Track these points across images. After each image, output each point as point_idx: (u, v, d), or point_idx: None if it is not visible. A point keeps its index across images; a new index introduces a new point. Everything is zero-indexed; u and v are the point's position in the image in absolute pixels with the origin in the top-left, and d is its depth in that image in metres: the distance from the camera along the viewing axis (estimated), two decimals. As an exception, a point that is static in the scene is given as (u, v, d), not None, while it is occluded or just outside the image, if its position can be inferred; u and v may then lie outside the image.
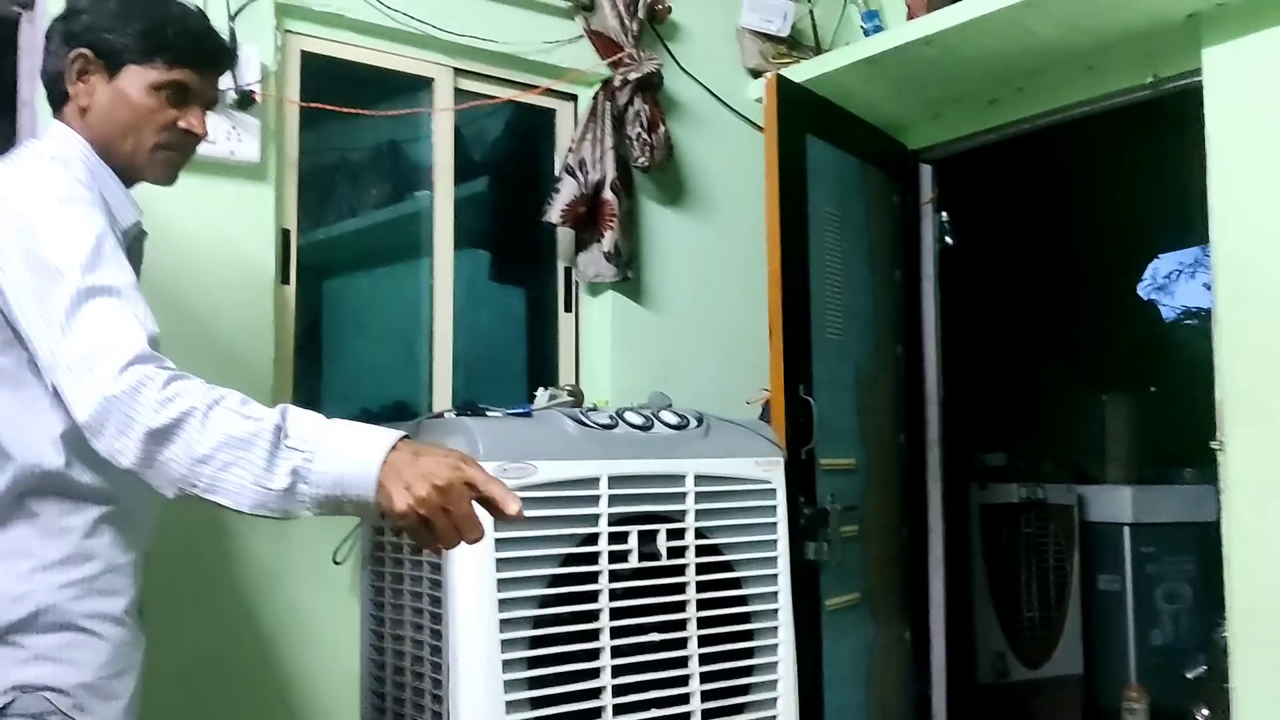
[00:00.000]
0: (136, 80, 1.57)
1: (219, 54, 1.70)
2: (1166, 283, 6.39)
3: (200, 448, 1.29)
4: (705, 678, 2.48)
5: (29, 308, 1.38)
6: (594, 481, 2.33)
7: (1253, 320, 2.65)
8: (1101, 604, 4.97)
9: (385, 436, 1.31)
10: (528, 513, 2.19)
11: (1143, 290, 6.40)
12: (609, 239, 3.01)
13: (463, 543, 1.32)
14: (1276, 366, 2.60)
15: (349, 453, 1.30)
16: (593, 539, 2.33)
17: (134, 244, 1.64)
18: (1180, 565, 5.01)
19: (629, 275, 3.08)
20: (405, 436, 1.31)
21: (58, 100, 1.61)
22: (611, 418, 2.46)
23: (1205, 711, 4.75)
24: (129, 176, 1.62)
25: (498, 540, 2.18)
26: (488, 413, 2.39)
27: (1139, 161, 5.40)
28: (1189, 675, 4.88)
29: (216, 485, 1.30)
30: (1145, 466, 5.22)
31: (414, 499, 1.27)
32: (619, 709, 2.35)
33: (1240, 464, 2.63)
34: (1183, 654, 4.93)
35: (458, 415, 2.40)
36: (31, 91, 2.32)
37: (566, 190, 2.97)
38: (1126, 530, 4.90)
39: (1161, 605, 4.96)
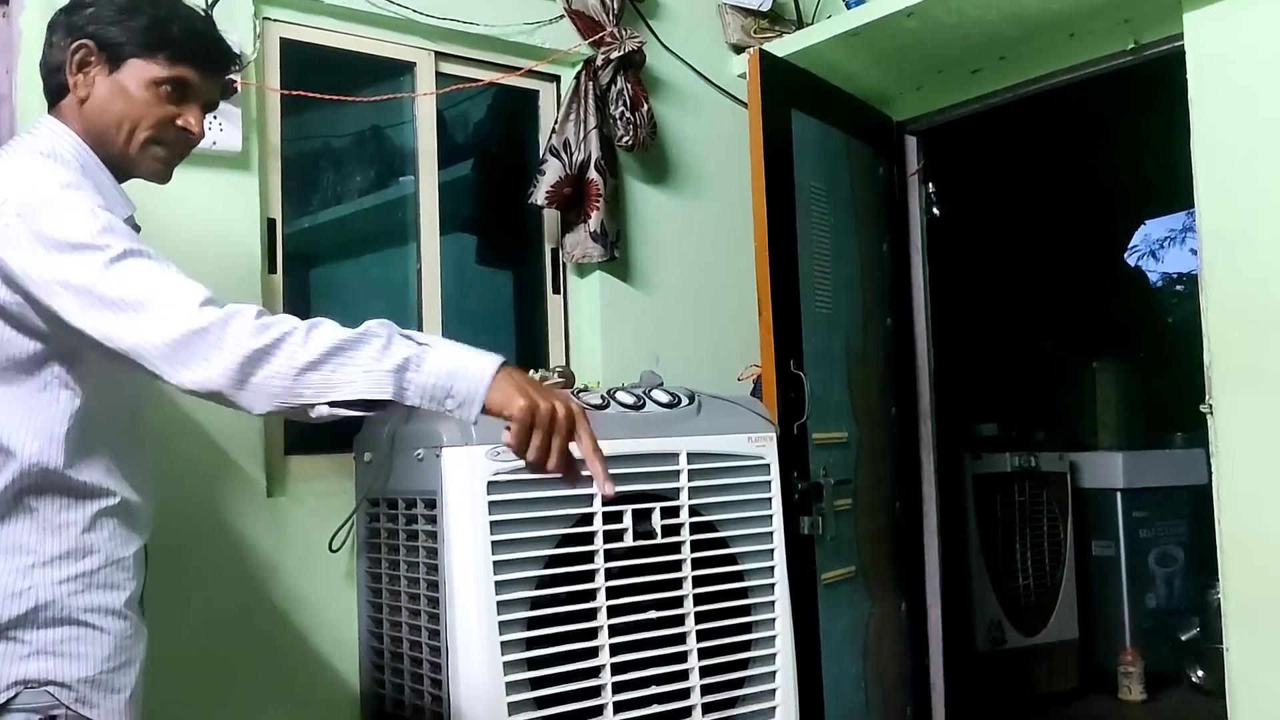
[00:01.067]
0: (137, 74, 1.57)
1: (222, 55, 1.69)
2: (1157, 248, 6.41)
3: (307, 356, 1.33)
4: (703, 653, 2.50)
5: (51, 283, 1.37)
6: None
7: (1239, 284, 2.66)
8: (1096, 569, 5.01)
9: (491, 355, 1.38)
10: (525, 495, 2.22)
11: (1130, 257, 6.42)
12: (595, 219, 3.01)
13: (545, 466, 1.37)
14: (1263, 329, 2.61)
15: (463, 352, 1.36)
16: (588, 519, 2.34)
17: None
18: (1172, 529, 5.05)
19: (616, 255, 3.07)
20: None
21: (55, 93, 1.60)
22: (603, 398, 2.47)
23: (1200, 672, 4.81)
24: (122, 171, 1.61)
25: (493, 523, 2.19)
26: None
27: (1125, 128, 5.41)
28: (1183, 637, 4.94)
29: (327, 387, 1.34)
30: (1136, 432, 5.25)
31: (529, 402, 1.33)
32: (618, 686, 2.36)
33: (1229, 427, 2.65)
34: (1176, 616, 4.98)
35: (449, 400, 2.40)
36: (9, 86, 2.30)
37: (551, 171, 2.96)
38: (1119, 496, 4.93)
39: (1155, 569, 5.00)
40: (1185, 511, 5.02)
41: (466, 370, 1.34)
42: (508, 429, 1.35)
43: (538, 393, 1.35)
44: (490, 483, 2.19)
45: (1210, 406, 2.67)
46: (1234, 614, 2.65)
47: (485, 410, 1.35)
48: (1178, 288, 6.35)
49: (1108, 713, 4.70)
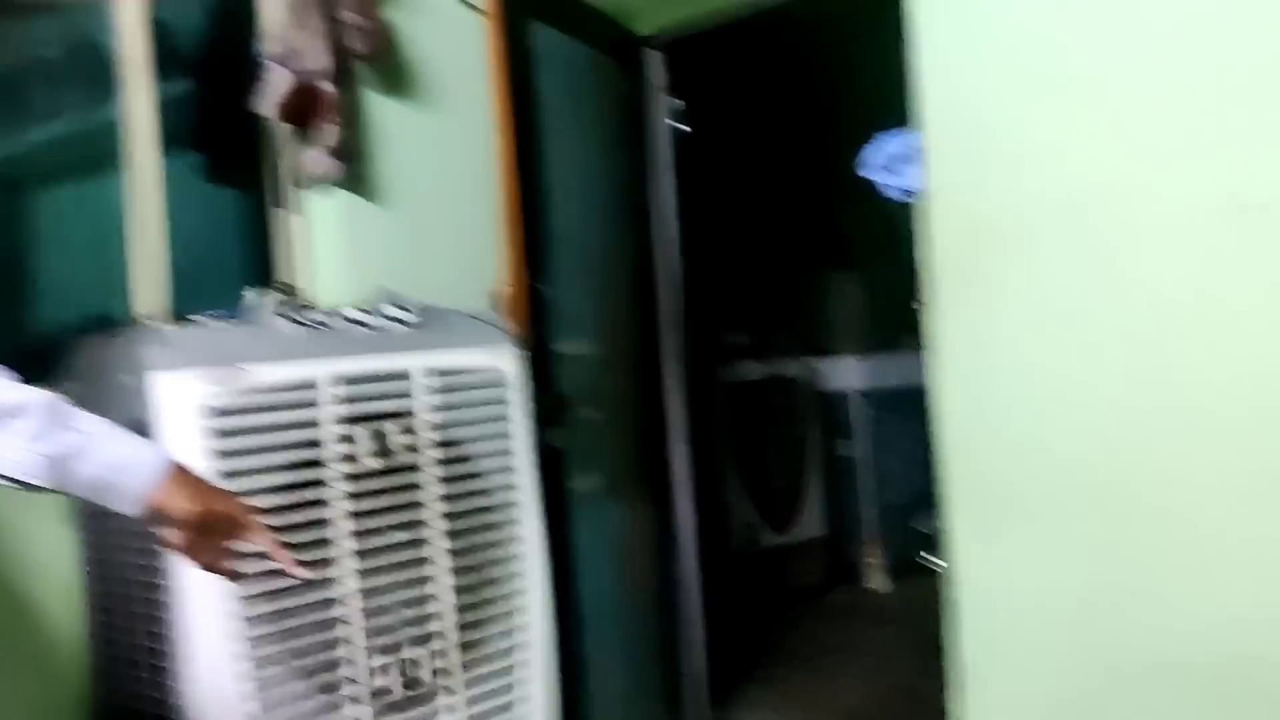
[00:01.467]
0: None
1: None
2: (892, 162, 6.67)
3: None
4: (455, 572, 2.48)
5: None
6: (312, 383, 2.25)
7: (957, 188, 2.81)
8: (841, 469, 5.29)
9: (163, 449, 1.41)
10: (246, 422, 2.12)
11: (865, 170, 6.67)
12: (330, 133, 2.87)
13: (211, 568, 1.42)
14: (976, 231, 2.78)
15: (131, 446, 1.36)
16: (317, 443, 2.26)
17: None
18: (908, 427, 5.37)
19: (356, 171, 2.95)
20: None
21: None
22: (329, 315, 2.37)
23: (934, 559, 5.19)
24: None
25: (212, 453, 2.08)
26: (190, 318, 2.26)
27: (865, 41, 5.58)
28: (920, 528, 5.30)
29: None
30: (873, 337, 5.54)
31: (196, 507, 1.35)
32: (367, 613, 2.32)
33: (945, 322, 2.82)
34: (914, 509, 5.33)
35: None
36: None
37: (278, 81, 2.80)
38: (858, 398, 5.21)
39: (893, 466, 5.33)
40: (919, 410, 5.34)
41: (132, 467, 1.34)
42: (173, 529, 1.36)
43: (205, 496, 1.39)
44: (207, 409, 2.08)
45: (922, 304, 2.83)
46: (956, 500, 2.85)
47: (151, 508, 1.34)
48: (909, 199, 6.67)
49: (855, 600, 5.02)
